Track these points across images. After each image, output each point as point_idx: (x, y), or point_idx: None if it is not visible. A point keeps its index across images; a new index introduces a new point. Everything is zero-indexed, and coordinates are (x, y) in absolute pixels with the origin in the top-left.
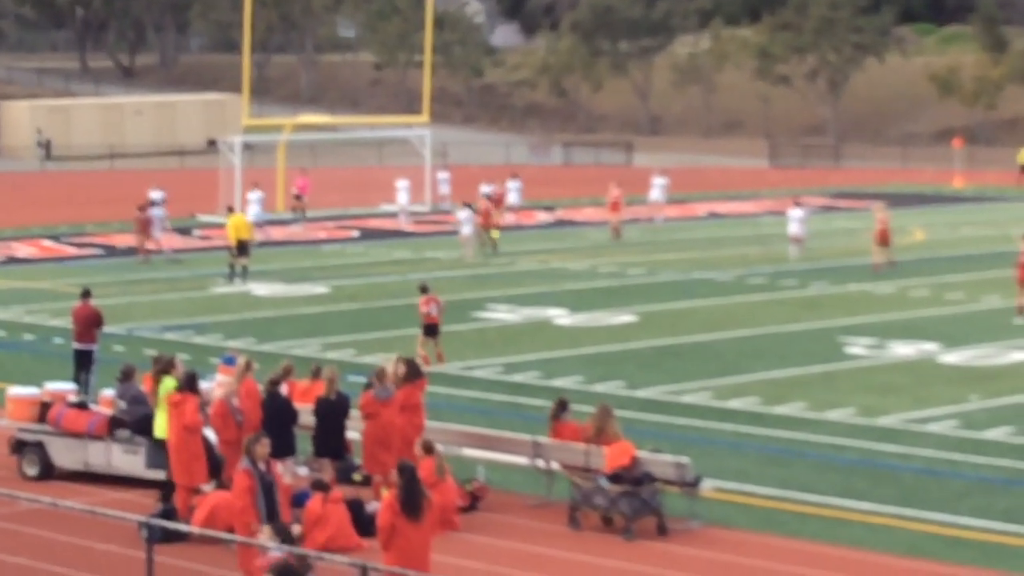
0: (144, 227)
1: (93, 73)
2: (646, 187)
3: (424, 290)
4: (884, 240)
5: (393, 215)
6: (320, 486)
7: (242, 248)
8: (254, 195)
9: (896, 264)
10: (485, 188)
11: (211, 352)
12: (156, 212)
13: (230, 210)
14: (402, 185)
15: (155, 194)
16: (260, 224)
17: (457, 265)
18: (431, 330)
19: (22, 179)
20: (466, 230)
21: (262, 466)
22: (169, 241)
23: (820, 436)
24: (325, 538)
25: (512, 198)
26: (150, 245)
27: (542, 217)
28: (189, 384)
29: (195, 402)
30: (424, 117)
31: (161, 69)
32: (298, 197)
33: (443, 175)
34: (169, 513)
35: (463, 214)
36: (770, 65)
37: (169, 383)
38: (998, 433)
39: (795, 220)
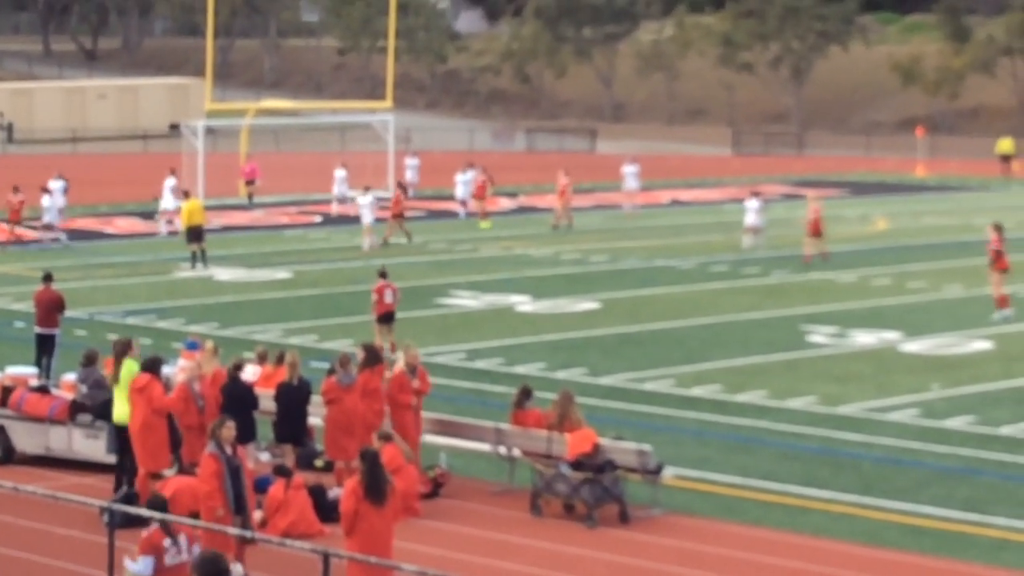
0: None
1: (56, 56)
2: (609, 174)
3: (383, 275)
4: (816, 231)
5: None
6: (282, 472)
7: (194, 233)
8: (169, 182)
9: (829, 256)
10: (466, 174)
11: (173, 337)
12: (49, 201)
13: (186, 194)
14: (339, 175)
15: (54, 183)
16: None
17: (420, 251)
18: (386, 318)
19: None
20: (367, 218)
21: (228, 450)
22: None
23: (781, 424)
24: (287, 524)
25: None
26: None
27: (505, 203)
28: (153, 368)
29: (161, 386)
30: (387, 103)
31: (124, 53)
32: (249, 183)
33: (412, 161)
34: (131, 498)
35: (365, 199)
36: (733, 53)
37: (131, 366)
38: (959, 422)
39: (752, 211)
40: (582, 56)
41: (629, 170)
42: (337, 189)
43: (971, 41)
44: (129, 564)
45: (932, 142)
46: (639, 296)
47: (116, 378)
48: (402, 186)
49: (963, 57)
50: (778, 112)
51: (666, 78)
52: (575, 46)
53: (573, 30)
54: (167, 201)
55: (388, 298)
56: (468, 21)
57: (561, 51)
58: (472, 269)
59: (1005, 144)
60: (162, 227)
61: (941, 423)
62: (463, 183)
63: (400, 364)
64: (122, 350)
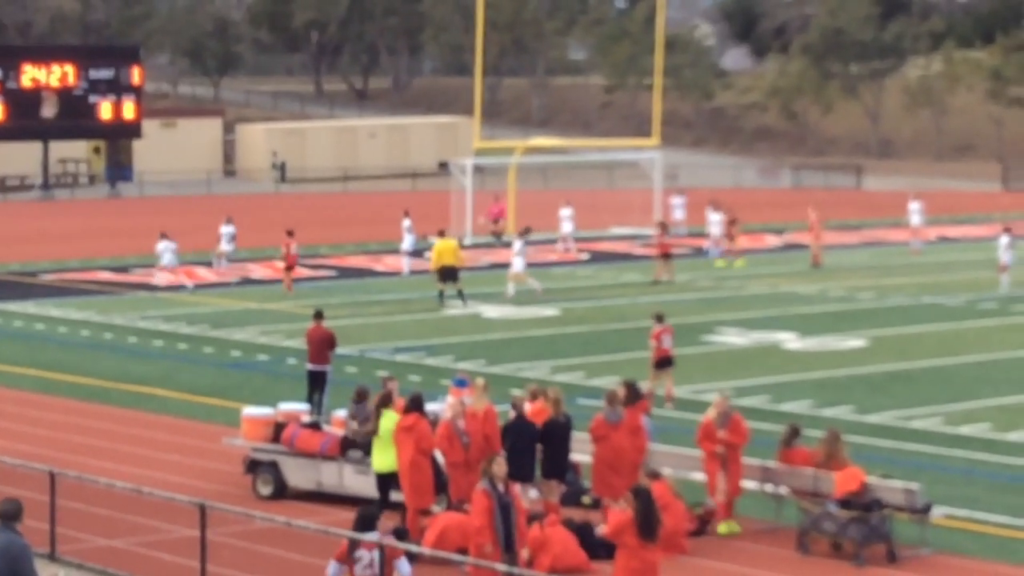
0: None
1: (327, 96)
2: (876, 211)
3: (659, 319)
4: None
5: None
6: (398, 535)
7: (446, 274)
8: (405, 223)
9: None
10: (714, 215)
11: (442, 374)
12: (164, 245)
13: (440, 234)
14: (565, 214)
15: (225, 228)
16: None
17: (687, 288)
18: (663, 363)
19: (257, 201)
20: (518, 264)
21: (500, 486)
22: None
23: None
24: (551, 560)
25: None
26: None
27: (771, 240)
28: (417, 406)
29: (427, 425)
30: (654, 140)
31: (394, 92)
32: (495, 222)
33: (678, 200)
34: (401, 533)
35: (518, 245)
36: (1003, 87)
37: (392, 416)
38: None
39: (1001, 247)
40: (849, 92)
41: (914, 207)
42: (566, 227)
43: None
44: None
45: None
46: (906, 333)
47: (376, 428)
48: (663, 224)
49: None
50: None
51: (934, 113)
52: (842, 82)
53: (840, 66)
54: (407, 243)
55: (666, 343)
56: (734, 58)
57: (827, 87)
58: (738, 306)
59: None
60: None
61: None
62: (715, 223)
63: (710, 412)
64: (383, 401)
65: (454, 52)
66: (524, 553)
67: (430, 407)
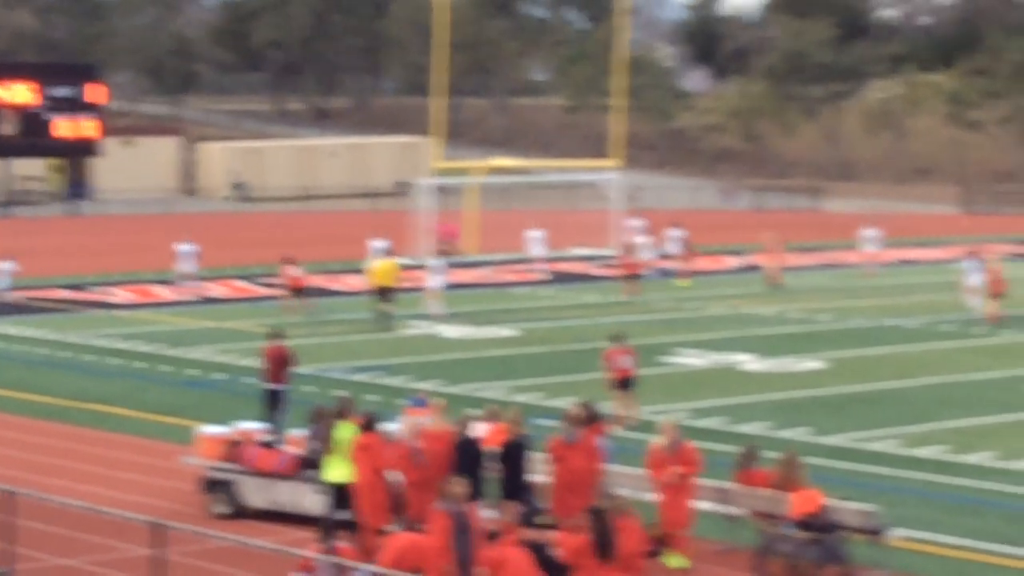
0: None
1: (288, 115)
2: (836, 232)
3: (616, 339)
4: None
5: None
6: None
7: (383, 294)
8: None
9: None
10: (674, 232)
11: (400, 394)
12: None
13: (388, 253)
14: (535, 235)
15: (183, 247)
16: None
17: (647, 309)
18: (624, 383)
19: (216, 220)
20: (434, 282)
21: (460, 507)
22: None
23: (1011, 486)
24: None
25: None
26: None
27: (730, 262)
28: (372, 425)
29: (384, 444)
30: (614, 161)
31: (355, 112)
32: (446, 241)
33: (637, 223)
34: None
35: (436, 263)
36: (962, 110)
37: (347, 428)
38: None
39: (967, 271)
40: (809, 115)
41: (868, 234)
42: (535, 249)
43: None
44: None
45: None
46: (865, 355)
47: (329, 438)
48: (628, 246)
49: None
50: (1008, 170)
51: (894, 136)
52: (802, 104)
53: (800, 88)
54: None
55: (623, 364)
56: (695, 80)
57: (788, 109)
58: (698, 327)
59: None
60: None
61: None
62: (672, 240)
63: (660, 439)
64: (338, 412)
65: (415, 72)
66: (480, 573)
67: (388, 427)
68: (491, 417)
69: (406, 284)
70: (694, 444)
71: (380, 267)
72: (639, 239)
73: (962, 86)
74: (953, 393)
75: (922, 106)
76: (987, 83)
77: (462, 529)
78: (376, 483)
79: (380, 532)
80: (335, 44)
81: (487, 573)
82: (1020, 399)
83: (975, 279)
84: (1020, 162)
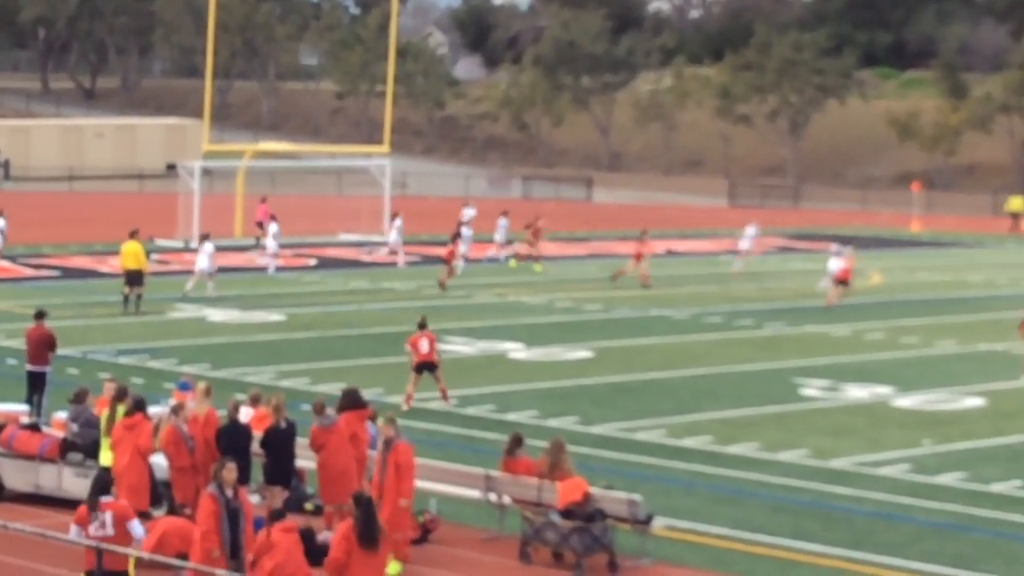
0: None
1: (54, 94)
2: (604, 223)
3: (421, 326)
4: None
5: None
6: (276, 516)
7: (130, 278)
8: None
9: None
10: (469, 211)
11: (166, 377)
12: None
13: (132, 235)
14: (396, 224)
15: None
16: None
17: (415, 296)
18: (425, 367)
19: None
20: (202, 263)
21: (229, 492)
22: None
23: (772, 477)
24: (272, 566)
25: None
26: None
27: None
28: (140, 407)
29: (149, 427)
30: (384, 147)
31: (123, 92)
32: (260, 224)
33: (469, 211)
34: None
35: (208, 247)
36: (731, 105)
37: (123, 412)
38: (949, 478)
39: (747, 237)
40: (580, 105)
41: (750, 232)
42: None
43: (968, 98)
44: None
45: (928, 198)
46: (632, 345)
47: (110, 421)
48: (456, 234)
49: (960, 114)
50: (775, 165)
51: (663, 128)
52: (573, 95)
53: (571, 79)
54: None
55: (425, 348)
56: (467, 68)
57: (559, 99)
58: (466, 315)
59: (1016, 203)
60: (400, 259)
61: (932, 479)
62: (502, 228)
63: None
64: (118, 395)
65: (184, 53)
66: (248, 558)
67: (153, 410)
68: (253, 402)
69: (176, 268)
70: (406, 441)
71: (126, 248)
72: (465, 231)
73: (730, 80)
74: (718, 385)
75: (691, 99)
76: (755, 78)
77: (232, 514)
78: (137, 465)
79: (143, 515)
80: (103, 23)
81: (252, 557)
82: (782, 391)
83: (746, 244)
84: (785, 157)
